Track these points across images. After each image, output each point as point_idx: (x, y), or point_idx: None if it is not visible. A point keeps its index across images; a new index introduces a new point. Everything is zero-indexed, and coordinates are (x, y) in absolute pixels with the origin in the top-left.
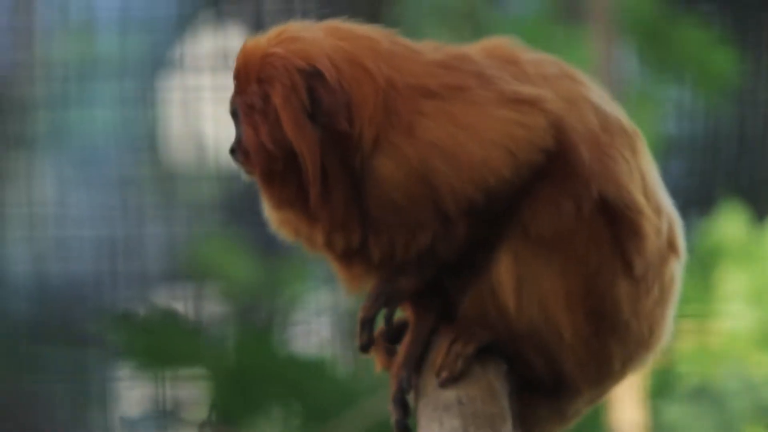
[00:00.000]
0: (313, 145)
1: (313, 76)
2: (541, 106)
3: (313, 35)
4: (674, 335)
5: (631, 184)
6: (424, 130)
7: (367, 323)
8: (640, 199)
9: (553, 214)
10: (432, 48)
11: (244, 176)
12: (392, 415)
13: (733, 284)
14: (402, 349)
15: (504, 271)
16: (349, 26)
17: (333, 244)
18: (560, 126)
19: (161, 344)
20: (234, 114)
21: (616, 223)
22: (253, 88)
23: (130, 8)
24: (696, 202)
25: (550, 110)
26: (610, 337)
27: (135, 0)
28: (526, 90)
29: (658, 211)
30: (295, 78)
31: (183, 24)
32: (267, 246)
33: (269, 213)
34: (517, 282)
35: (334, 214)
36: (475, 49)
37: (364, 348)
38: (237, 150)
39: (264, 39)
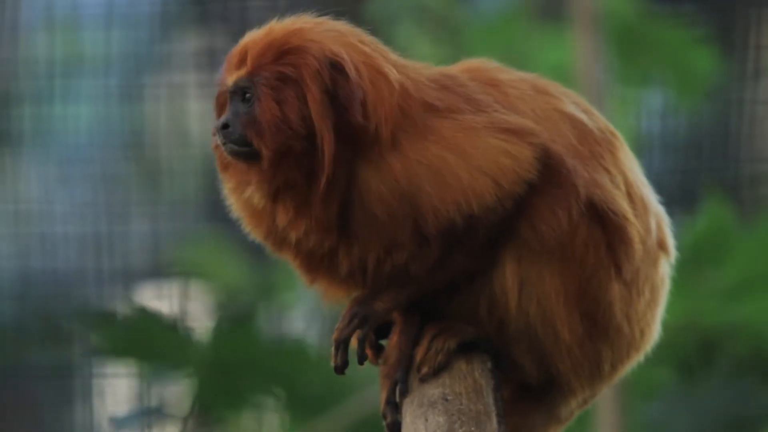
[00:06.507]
0: (331, 129)
1: (336, 68)
2: (528, 138)
3: (335, 33)
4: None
5: (614, 191)
6: (415, 148)
7: (341, 344)
8: (625, 205)
9: (552, 221)
10: (423, 66)
11: (226, 157)
12: (386, 417)
13: (716, 281)
14: (391, 349)
15: (509, 275)
16: (361, 32)
17: (304, 244)
18: (546, 151)
19: (143, 342)
20: (237, 91)
21: (607, 228)
22: (280, 67)
23: (114, 5)
24: (679, 200)
25: (535, 143)
26: (601, 340)
27: None
28: (514, 120)
29: (644, 209)
30: (324, 66)
31: (167, 21)
32: (252, 243)
33: (245, 212)
34: (519, 284)
35: (325, 211)
36: (456, 70)
37: (339, 370)
38: (238, 125)
39: (291, 26)
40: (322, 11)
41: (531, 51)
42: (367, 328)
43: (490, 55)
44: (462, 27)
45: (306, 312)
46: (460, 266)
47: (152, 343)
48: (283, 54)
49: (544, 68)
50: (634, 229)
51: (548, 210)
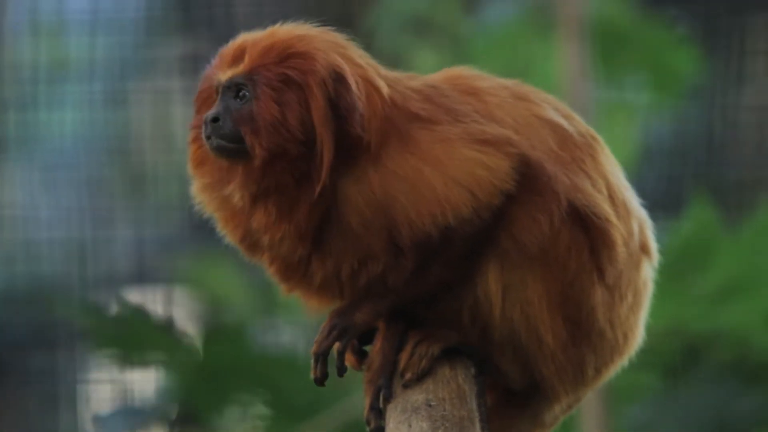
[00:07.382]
0: (332, 138)
1: (338, 79)
2: (505, 148)
3: (336, 44)
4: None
5: (596, 194)
6: (393, 159)
7: (321, 357)
8: (607, 208)
9: (533, 229)
10: (406, 76)
11: (205, 152)
12: (370, 423)
13: (701, 286)
14: (375, 355)
15: (492, 281)
16: (355, 45)
17: (276, 249)
18: (524, 161)
19: (131, 335)
20: (232, 87)
21: (589, 232)
22: (284, 69)
23: (99, 10)
24: (664, 206)
25: (512, 153)
26: (584, 344)
27: (104, 2)
28: (492, 130)
29: (627, 212)
30: (328, 75)
31: (152, 27)
32: (235, 250)
33: (221, 212)
34: (503, 290)
35: (308, 218)
36: (438, 79)
37: (319, 381)
38: (229, 121)
39: (295, 31)
40: (308, 19)
41: (534, 61)
42: (346, 341)
43: (495, 65)
44: (467, 38)
45: (292, 320)
46: (437, 277)
47: (140, 336)
48: (288, 57)
49: (545, 78)
50: (617, 232)
51: (529, 218)
